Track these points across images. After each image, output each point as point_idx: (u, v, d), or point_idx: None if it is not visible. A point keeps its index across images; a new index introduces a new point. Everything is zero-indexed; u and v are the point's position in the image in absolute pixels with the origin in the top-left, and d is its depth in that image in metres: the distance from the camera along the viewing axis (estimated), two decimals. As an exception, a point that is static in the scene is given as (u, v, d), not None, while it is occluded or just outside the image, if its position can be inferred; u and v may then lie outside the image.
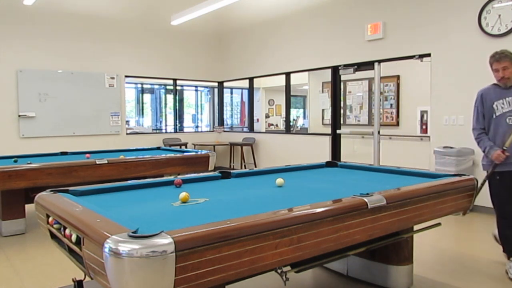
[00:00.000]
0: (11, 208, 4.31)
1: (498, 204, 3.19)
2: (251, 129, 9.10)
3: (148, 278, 1.38)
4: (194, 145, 8.78)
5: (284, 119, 8.92)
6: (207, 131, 10.28)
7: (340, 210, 1.97)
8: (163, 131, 11.03)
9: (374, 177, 3.15)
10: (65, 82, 7.30)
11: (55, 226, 2.02)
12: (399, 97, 8.17)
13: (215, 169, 4.52)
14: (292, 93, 8.22)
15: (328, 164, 3.80)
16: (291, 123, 10.13)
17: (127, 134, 8.18)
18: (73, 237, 1.77)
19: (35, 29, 7.02)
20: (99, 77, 7.68)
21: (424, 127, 7.72)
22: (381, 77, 6.28)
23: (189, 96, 12.59)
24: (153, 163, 4.72)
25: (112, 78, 7.82)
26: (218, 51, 9.32)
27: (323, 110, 9.16)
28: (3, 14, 6.73)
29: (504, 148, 3.09)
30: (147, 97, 11.73)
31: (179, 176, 2.98)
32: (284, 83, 8.00)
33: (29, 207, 4.33)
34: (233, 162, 8.95)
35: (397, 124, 8.20)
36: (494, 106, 3.18)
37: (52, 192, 2.35)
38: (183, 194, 2.21)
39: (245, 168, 8.51)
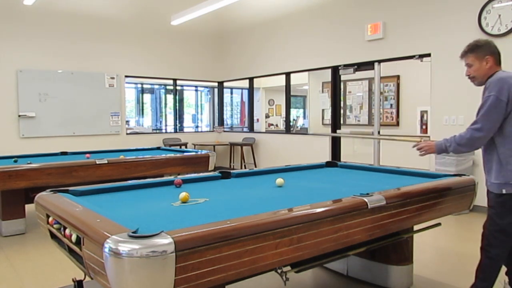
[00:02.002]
0: (11, 208, 4.31)
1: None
2: (251, 129, 9.09)
3: (148, 278, 1.38)
4: (194, 145, 8.78)
5: (284, 119, 8.91)
6: (207, 131, 10.28)
7: (340, 210, 1.97)
8: (163, 131, 11.03)
9: (374, 177, 3.15)
10: (65, 82, 7.30)
11: (55, 226, 2.02)
12: (399, 97, 8.17)
13: (215, 169, 4.52)
14: (292, 93, 8.22)
15: (328, 164, 3.80)
16: (291, 123, 10.12)
17: (127, 134, 8.18)
18: (73, 237, 1.77)
19: (35, 29, 7.02)
20: (99, 77, 7.67)
21: (424, 127, 7.72)
22: (381, 77, 6.28)
23: (189, 96, 12.59)
24: (153, 163, 4.72)
25: (112, 78, 7.82)
26: (218, 51, 9.32)
27: (323, 110, 9.15)
28: (3, 14, 6.73)
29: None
30: (147, 97, 11.73)
31: (179, 176, 2.98)
32: (284, 83, 8.00)
33: (29, 207, 4.33)
34: (233, 162, 8.95)
35: (397, 124, 8.20)
36: None
37: (52, 192, 2.35)
38: (183, 194, 2.21)
39: (245, 168, 8.51)
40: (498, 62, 2.43)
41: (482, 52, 2.41)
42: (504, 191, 2.29)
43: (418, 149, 2.58)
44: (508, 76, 2.31)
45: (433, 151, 2.51)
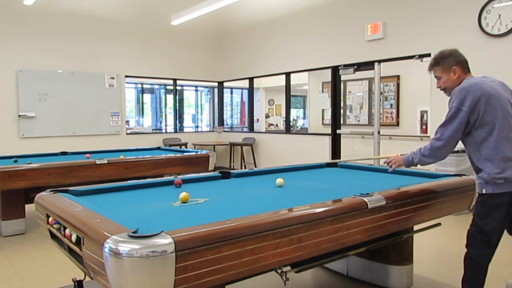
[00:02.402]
0: (11, 208, 4.30)
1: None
2: (251, 129, 9.09)
3: (148, 278, 1.38)
4: (194, 145, 8.78)
5: (284, 119, 8.91)
6: (207, 131, 10.28)
7: (340, 210, 1.97)
8: (163, 131, 11.03)
9: (374, 177, 3.14)
10: (65, 82, 7.30)
11: (55, 226, 2.02)
12: (399, 97, 8.17)
13: (215, 169, 4.52)
14: (292, 93, 8.21)
15: (328, 164, 3.80)
16: (291, 123, 10.12)
17: (127, 134, 8.18)
18: (73, 237, 1.77)
19: (35, 29, 7.02)
20: (99, 77, 7.67)
21: (424, 127, 7.72)
22: (381, 77, 6.27)
23: (189, 96, 12.59)
24: (153, 163, 4.71)
25: (112, 78, 7.82)
26: (218, 51, 9.32)
27: (323, 110, 9.15)
28: (3, 14, 6.73)
29: None
30: (147, 97, 11.73)
31: (179, 176, 2.98)
32: (284, 83, 8.00)
33: (29, 207, 4.33)
34: (233, 162, 8.95)
35: (397, 124, 8.19)
36: None
37: (52, 192, 2.35)
38: (183, 194, 2.21)
39: (245, 168, 8.51)
40: (466, 70, 2.45)
41: (447, 63, 2.43)
42: (484, 191, 2.31)
43: (387, 164, 2.63)
44: (473, 84, 2.30)
45: (402, 164, 2.55)
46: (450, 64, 2.42)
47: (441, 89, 2.51)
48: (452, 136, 2.29)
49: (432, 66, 2.50)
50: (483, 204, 2.33)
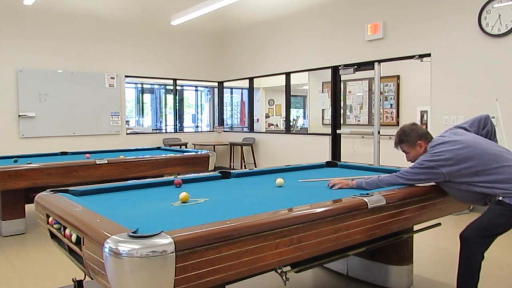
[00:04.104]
0: (11, 208, 4.30)
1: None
2: (251, 129, 9.09)
3: (148, 278, 1.38)
4: (194, 145, 8.78)
5: (284, 119, 8.91)
6: (207, 131, 10.28)
7: (340, 210, 1.97)
8: (163, 131, 11.03)
9: (374, 177, 3.14)
10: (65, 82, 7.30)
11: (55, 226, 2.02)
12: (399, 97, 8.17)
13: (215, 169, 4.52)
14: (292, 93, 8.21)
15: (328, 164, 3.80)
16: (291, 123, 10.12)
17: (127, 134, 8.18)
18: (73, 237, 1.77)
19: (35, 29, 7.02)
20: (99, 77, 7.67)
21: (424, 127, 7.70)
22: (381, 77, 6.28)
23: (189, 96, 12.59)
24: (153, 163, 4.72)
25: (112, 78, 7.82)
26: (218, 51, 9.32)
27: (323, 110, 9.15)
28: (3, 14, 6.73)
29: None
30: (147, 97, 11.73)
31: (179, 176, 2.98)
32: (284, 83, 8.00)
33: (29, 207, 4.33)
34: (233, 162, 8.95)
35: (397, 124, 8.19)
36: None
37: (52, 192, 2.35)
38: (183, 194, 2.21)
39: (245, 168, 8.51)
40: (429, 138, 2.54)
41: (411, 139, 2.53)
42: (501, 198, 2.32)
43: (331, 185, 2.61)
44: (443, 151, 2.36)
45: (348, 185, 2.56)
46: (414, 139, 2.52)
47: (412, 162, 2.58)
48: (413, 179, 2.42)
49: (397, 144, 2.61)
50: (498, 206, 2.33)
